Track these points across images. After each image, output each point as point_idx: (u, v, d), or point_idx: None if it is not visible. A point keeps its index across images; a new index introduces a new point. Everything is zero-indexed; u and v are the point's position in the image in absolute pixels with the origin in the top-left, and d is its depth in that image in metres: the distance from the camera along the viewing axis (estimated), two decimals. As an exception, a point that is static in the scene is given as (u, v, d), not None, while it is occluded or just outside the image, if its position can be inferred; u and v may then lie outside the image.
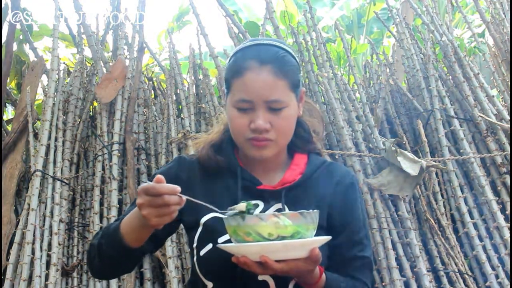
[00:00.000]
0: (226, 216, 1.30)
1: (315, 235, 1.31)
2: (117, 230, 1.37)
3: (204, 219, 1.46)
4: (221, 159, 1.49)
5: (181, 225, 3.13)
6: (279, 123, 1.42)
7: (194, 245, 1.46)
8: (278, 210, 1.43)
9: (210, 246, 1.42)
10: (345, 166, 1.67)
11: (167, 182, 1.24)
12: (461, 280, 2.94)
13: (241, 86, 1.43)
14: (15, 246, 2.89)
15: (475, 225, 3.07)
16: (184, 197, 1.25)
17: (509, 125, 3.22)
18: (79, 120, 3.44)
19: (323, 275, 1.37)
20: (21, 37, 3.99)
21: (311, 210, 1.29)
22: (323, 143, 1.67)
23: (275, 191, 1.46)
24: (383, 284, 2.86)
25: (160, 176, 1.24)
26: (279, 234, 1.23)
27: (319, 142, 1.61)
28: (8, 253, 2.92)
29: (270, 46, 1.47)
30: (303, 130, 1.56)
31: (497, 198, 3.10)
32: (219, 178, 1.49)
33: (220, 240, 1.41)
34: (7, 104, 4.23)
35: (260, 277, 1.39)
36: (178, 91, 3.53)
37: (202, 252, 1.44)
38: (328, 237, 1.34)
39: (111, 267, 1.46)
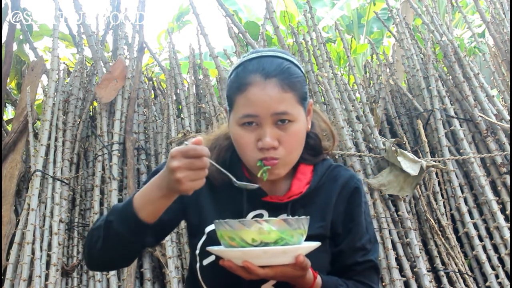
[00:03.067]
0: (218, 221, 1.27)
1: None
2: (129, 205, 1.28)
3: (208, 228, 1.41)
4: (226, 178, 1.34)
5: (181, 225, 3.11)
6: (288, 140, 1.34)
7: (197, 252, 1.42)
8: None
9: (213, 258, 1.38)
10: (350, 170, 1.62)
11: None
12: (461, 280, 2.94)
13: (245, 101, 1.33)
14: (15, 246, 2.89)
15: (475, 225, 3.08)
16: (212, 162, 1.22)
17: (509, 125, 3.22)
18: (79, 120, 3.43)
19: (319, 279, 1.34)
20: (21, 37, 3.99)
21: (298, 217, 1.26)
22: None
23: (282, 204, 1.41)
24: (383, 284, 2.86)
25: (199, 138, 1.20)
26: (262, 240, 1.23)
27: (330, 152, 1.53)
28: (8, 253, 2.92)
29: (273, 57, 1.38)
30: (313, 145, 1.48)
31: (497, 198, 3.10)
32: (225, 188, 1.42)
33: None
34: (7, 104, 4.23)
35: None
36: (178, 91, 3.53)
37: (205, 262, 1.40)
38: (315, 244, 1.29)
39: (115, 251, 1.33)
